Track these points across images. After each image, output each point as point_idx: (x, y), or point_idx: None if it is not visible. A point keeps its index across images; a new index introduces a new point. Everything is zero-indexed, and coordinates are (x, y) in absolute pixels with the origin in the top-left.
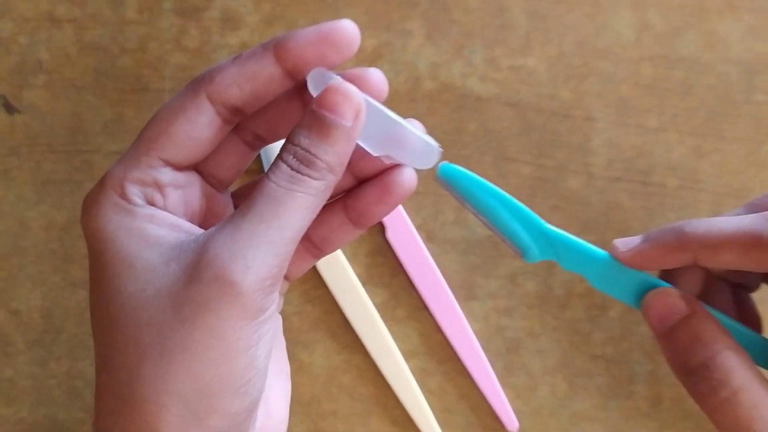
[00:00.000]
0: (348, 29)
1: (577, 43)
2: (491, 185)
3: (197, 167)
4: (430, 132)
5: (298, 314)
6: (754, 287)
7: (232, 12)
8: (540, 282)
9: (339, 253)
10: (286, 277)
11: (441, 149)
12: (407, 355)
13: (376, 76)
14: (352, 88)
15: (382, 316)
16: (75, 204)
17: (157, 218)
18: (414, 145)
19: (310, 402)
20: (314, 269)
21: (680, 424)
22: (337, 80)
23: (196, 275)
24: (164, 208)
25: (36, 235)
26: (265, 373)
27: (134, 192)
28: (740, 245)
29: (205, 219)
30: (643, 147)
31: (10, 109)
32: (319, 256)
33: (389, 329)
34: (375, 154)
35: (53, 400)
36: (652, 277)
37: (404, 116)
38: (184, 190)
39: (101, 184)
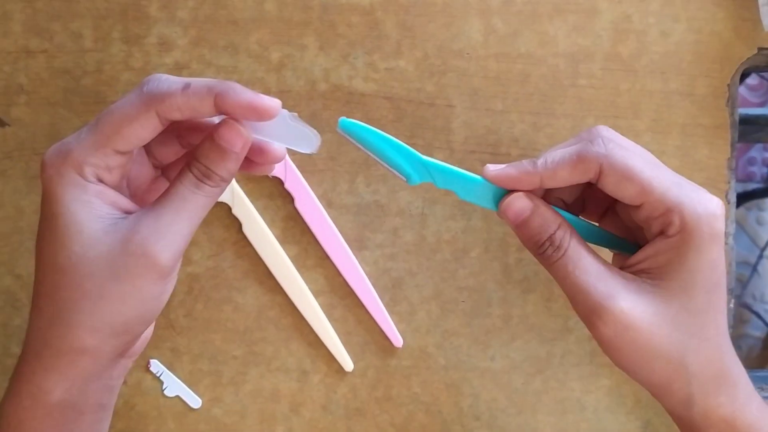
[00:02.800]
0: (273, 106)
1: (437, 47)
2: (379, 131)
3: None
4: (326, 124)
5: (233, 268)
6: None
7: (166, 37)
8: (416, 233)
9: (260, 220)
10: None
11: (319, 136)
12: (316, 294)
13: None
14: (240, 127)
15: (296, 266)
16: None
17: (104, 195)
18: (300, 136)
19: (245, 332)
20: (241, 233)
21: (526, 335)
22: (229, 120)
23: (130, 250)
24: (110, 183)
25: (29, 218)
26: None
27: (89, 172)
28: (569, 163)
29: (140, 188)
30: (492, 126)
31: (1, 123)
32: None
33: (302, 275)
34: (276, 144)
35: None
36: (504, 189)
37: (306, 112)
38: (125, 168)
39: (64, 160)
